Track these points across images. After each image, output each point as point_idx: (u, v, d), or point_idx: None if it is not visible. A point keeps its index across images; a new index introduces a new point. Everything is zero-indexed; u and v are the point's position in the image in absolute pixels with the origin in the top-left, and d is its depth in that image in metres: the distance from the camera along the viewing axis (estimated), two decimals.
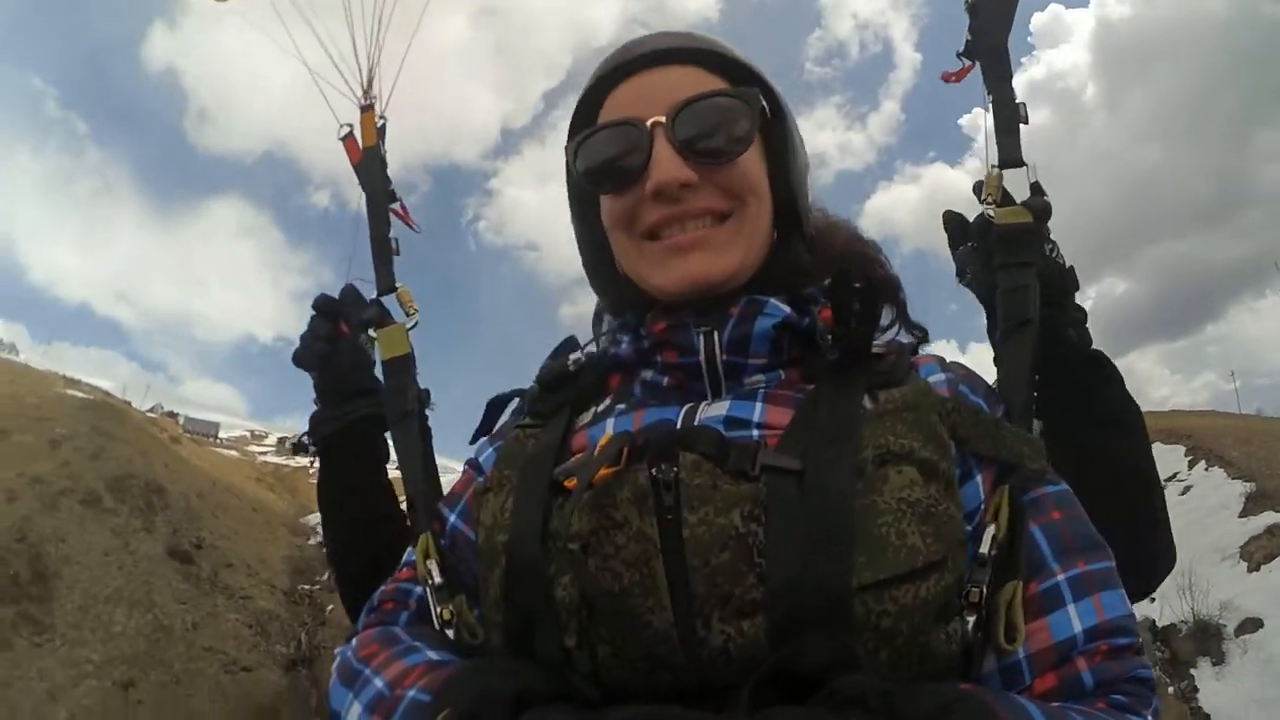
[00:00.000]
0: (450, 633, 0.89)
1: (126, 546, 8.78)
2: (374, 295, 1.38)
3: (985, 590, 0.72)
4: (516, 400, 1.04)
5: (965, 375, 0.89)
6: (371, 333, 1.33)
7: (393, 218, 1.43)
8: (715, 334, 0.86)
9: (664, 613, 0.69)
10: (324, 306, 1.42)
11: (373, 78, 1.44)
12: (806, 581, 0.66)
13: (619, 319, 0.99)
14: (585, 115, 0.95)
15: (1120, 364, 1.18)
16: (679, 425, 0.81)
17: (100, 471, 9.48)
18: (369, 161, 1.44)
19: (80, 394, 11.94)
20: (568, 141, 0.93)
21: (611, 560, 0.71)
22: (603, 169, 0.88)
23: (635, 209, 0.87)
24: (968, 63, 1.27)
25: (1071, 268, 1.18)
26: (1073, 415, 1.11)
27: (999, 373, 1.01)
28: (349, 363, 1.40)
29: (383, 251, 1.39)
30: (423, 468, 1.16)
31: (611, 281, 0.98)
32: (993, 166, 1.16)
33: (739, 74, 0.92)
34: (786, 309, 0.87)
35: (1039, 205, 1.11)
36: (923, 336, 0.95)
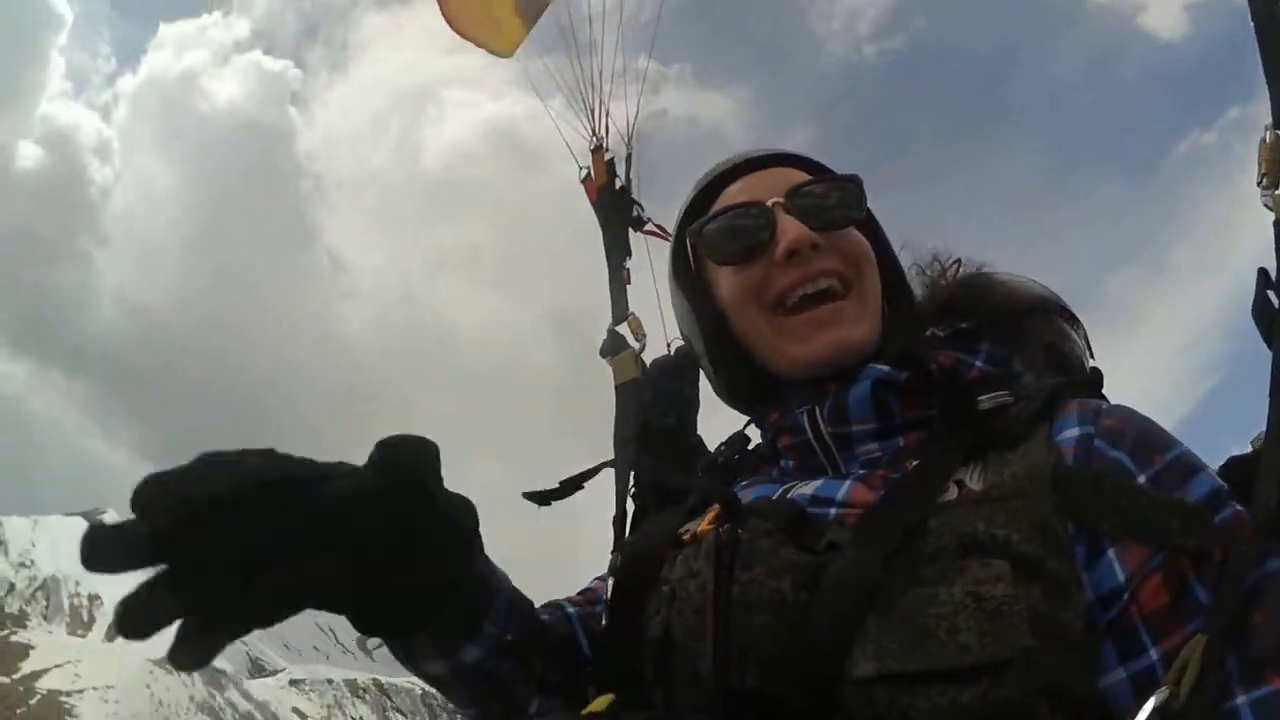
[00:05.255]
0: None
1: None
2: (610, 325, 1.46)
3: None
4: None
5: (1110, 426, 0.77)
6: (607, 361, 1.42)
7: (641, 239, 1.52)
8: (816, 409, 0.91)
9: (706, 660, 0.75)
10: None
11: (602, 119, 1.56)
12: (807, 651, 0.68)
13: (743, 408, 1.08)
14: (699, 209, 1.05)
15: None
16: (774, 499, 0.87)
17: None
18: (603, 197, 1.55)
19: None
20: (680, 230, 1.06)
21: (683, 605, 0.80)
22: (730, 245, 0.96)
23: (765, 277, 0.94)
24: None
25: None
26: None
27: (1263, 461, 0.71)
28: None
29: (617, 282, 1.48)
30: (625, 492, 1.24)
31: (728, 362, 1.02)
32: (1267, 128, 0.81)
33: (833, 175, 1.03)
34: (883, 368, 0.88)
35: None
36: (1089, 384, 0.92)
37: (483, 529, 0.75)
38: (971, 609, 0.64)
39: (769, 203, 0.95)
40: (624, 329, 1.46)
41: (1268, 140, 0.80)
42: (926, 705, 0.63)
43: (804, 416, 0.91)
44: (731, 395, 1.06)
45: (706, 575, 0.79)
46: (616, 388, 1.37)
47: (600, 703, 0.73)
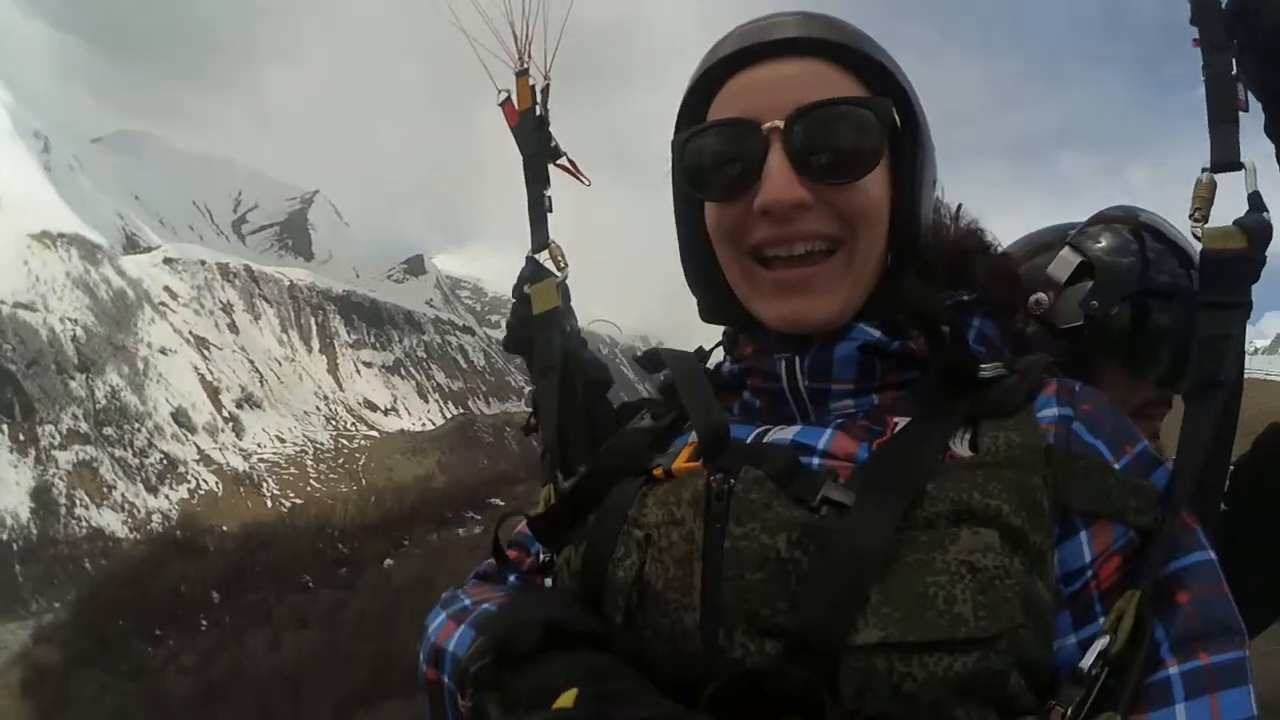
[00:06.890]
0: (549, 580, 0.96)
1: None
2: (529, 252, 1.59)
3: (1070, 713, 0.64)
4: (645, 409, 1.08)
5: (1088, 410, 0.78)
6: (526, 289, 1.47)
7: (557, 173, 1.53)
8: (797, 360, 0.84)
9: (693, 614, 0.72)
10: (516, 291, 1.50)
11: (526, 43, 1.48)
12: (814, 621, 0.67)
13: (724, 328, 1.01)
14: (695, 105, 0.89)
15: None
16: (748, 443, 0.83)
17: None
18: (525, 124, 1.55)
19: None
20: (674, 134, 0.89)
21: (664, 554, 0.75)
22: (711, 175, 0.84)
23: (742, 223, 0.83)
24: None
25: None
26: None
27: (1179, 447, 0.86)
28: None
29: (537, 209, 1.58)
30: (556, 422, 1.29)
31: (709, 287, 0.95)
32: (1203, 170, 0.92)
33: (873, 75, 0.83)
34: (876, 333, 0.84)
35: (1256, 225, 0.86)
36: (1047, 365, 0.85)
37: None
38: (967, 579, 0.65)
39: (765, 127, 0.79)
40: (544, 257, 1.48)
41: (1203, 181, 0.90)
42: (923, 674, 0.64)
43: (781, 365, 0.85)
44: (707, 316, 1.00)
45: (693, 525, 0.75)
46: (535, 316, 1.42)
47: (566, 698, 0.65)
